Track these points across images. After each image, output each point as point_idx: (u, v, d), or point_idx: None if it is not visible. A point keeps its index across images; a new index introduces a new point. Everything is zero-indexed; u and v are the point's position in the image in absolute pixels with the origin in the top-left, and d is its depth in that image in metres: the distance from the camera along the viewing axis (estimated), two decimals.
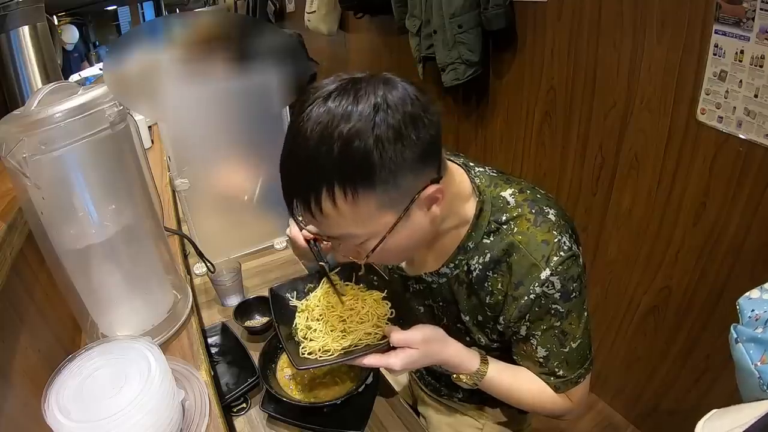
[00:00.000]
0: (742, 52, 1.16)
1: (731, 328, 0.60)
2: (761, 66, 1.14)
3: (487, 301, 0.79)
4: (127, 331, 0.85)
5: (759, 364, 0.55)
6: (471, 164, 0.82)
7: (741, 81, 1.18)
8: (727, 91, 1.22)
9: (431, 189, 0.65)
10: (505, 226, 0.75)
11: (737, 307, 0.64)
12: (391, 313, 0.86)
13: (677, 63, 1.32)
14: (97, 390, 0.63)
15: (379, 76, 0.63)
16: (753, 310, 0.61)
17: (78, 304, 0.81)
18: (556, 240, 0.72)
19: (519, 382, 0.82)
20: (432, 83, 2.21)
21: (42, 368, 0.72)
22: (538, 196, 0.77)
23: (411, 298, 0.93)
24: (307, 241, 0.86)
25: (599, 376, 1.85)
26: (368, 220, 0.64)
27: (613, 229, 1.66)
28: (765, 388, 0.53)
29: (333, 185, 0.59)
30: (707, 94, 1.27)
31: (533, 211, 0.74)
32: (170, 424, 0.66)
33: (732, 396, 0.57)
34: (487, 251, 0.76)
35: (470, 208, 0.77)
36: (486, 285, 0.78)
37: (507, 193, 0.77)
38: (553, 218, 0.74)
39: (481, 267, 0.77)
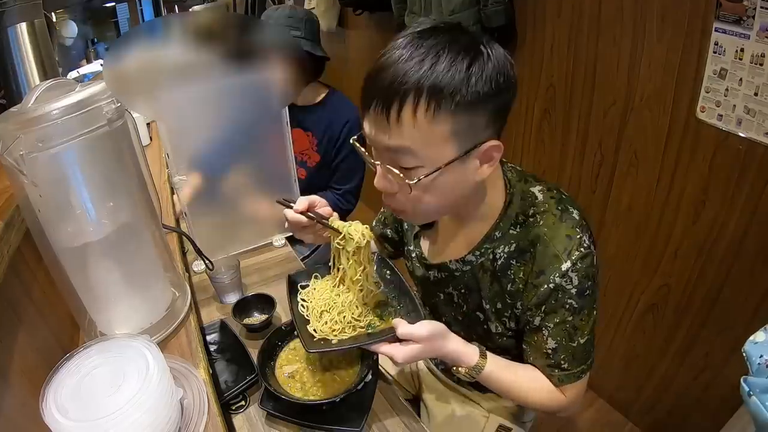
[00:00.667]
0: (742, 50, 1.16)
1: (741, 381, 0.58)
2: (761, 64, 1.13)
3: (508, 288, 0.83)
4: (125, 329, 0.84)
5: None
6: (503, 159, 0.85)
7: (741, 79, 1.18)
8: (727, 89, 1.22)
9: (494, 143, 0.70)
10: (532, 219, 0.80)
11: (743, 354, 0.63)
12: (398, 302, 0.90)
13: (677, 61, 1.31)
14: (96, 388, 0.62)
15: (485, 35, 0.70)
16: (762, 356, 0.60)
17: (76, 302, 0.81)
18: (578, 236, 0.77)
19: (517, 377, 0.85)
20: None
21: (40, 367, 0.71)
22: (564, 196, 0.82)
23: (432, 287, 0.96)
24: (303, 213, 0.87)
25: (598, 373, 1.84)
26: (434, 143, 0.66)
27: (613, 227, 1.66)
28: None
29: (420, 96, 0.63)
30: (707, 92, 1.26)
31: (559, 208, 0.79)
32: (169, 422, 0.66)
33: (731, 395, 0.56)
34: (513, 241, 0.81)
35: (500, 199, 0.82)
36: (509, 273, 0.82)
37: (536, 189, 0.82)
38: (576, 217, 0.79)
39: (506, 256, 0.82)
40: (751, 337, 0.63)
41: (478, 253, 0.84)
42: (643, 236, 1.56)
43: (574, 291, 0.76)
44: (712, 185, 1.32)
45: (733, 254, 1.32)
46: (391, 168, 0.70)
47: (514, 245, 0.80)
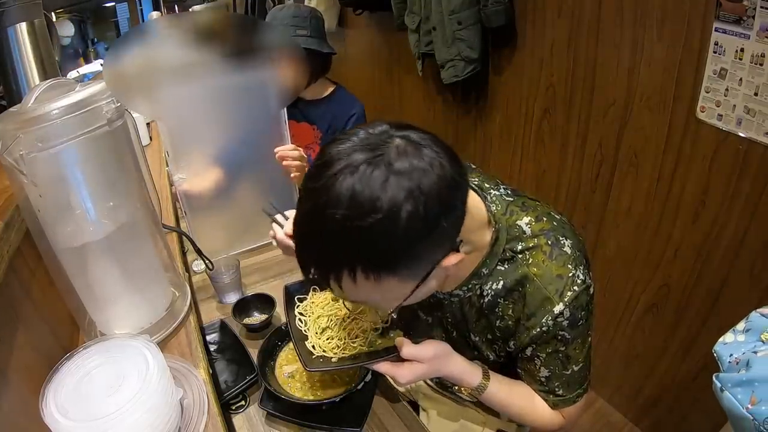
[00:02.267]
0: (742, 50, 1.16)
1: (713, 378, 0.60)
2: (761, 64, 1.13)
3: (497, 324, 0.80)
4: (125, 329, 0.84)
5: (750, 406, 0.54)
6: (486, 186, 0.81)
7: (741, 79, 1.18)
8: (727, 89, 1.22)
9: (453, 260, 0.64)
10: (520, 256, 0.75)
11: (714, 354, 0.65)
12: (400, 319, 0.88)
13: (677, 61, 1.31)
14: (95, 388, 0.62)
15: (409, 140, 0.57)
16: (731, 355, 0.62)
17: (76, 302, 0.81)
18: (570, 274, 0.72)
19: (516, 397, 0.85)
20: (431, 80, 2.21)
21: (40, 367, 0.71)
22: (555, 223, 0.76)
23: (420, 310, 0.93)
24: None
25: (598, 373, 1.84)
26: (386, 293, 0.63)
27: (612, 227, 1.66)
28: (762, 428, 0.52)
29: (355, 269, 0.57)
30: (707, 92, 1.26)
31: (549, 242, 0.74)
32: (168, 422, 0.66)
33: None
34: (500, 278, 0.77)
35: (485, 236, 0.76)
36: (497, 310, 0.79)
37: (523, 222, 0.76)
38: (568, 251, 0.74)
39: (493, 293, 0.78)
40: (721, 339, 0.65)
41: (465, 288, 0.80)
42: (642, 236, 1.56)
43: (566, 323, 0.73)
44: (712, 185, 1.32)
45: (732, 254, 1.32)
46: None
47: (501, 283, 0.76)
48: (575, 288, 0.72)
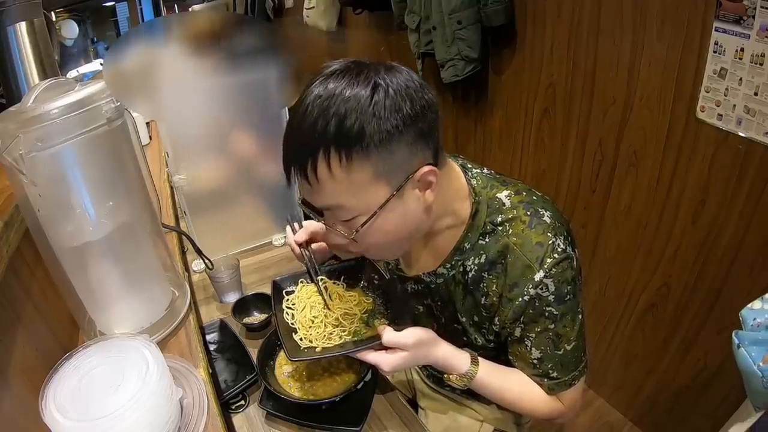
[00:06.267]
0: (742, 49, 1.16)
1: (732, 334, 0.62)
2: (761, 64, 1.13)
3: (482, 302, 0.79)
4: (124, 329, 0.84)
5: (761, 364, 0.57)
6: (468, 165, 0.83)
7: (741, 79, 1.18)
8: (727, 89, 1.22)
9: (425, 169, 0.67)
10: (500, 228, 0.75)
11: (740, 318, 0.67)
12: (386, 308, 0.88)
13: (677, 60, 1.31)
14: (95, 388, 0.62)
15: (384, 62, 0.66)
16: (755, 319, 0.63)
17: (75, 302, 0.81)
18: (550, 242, 0.72)
19: (510, 384, 0.83)
20: (431, 79, 2.21)
21: (39, 366, 0.71)
22: (534, 197, 0.77)
23: (409, 299, 0.93)
24: (300, 246, 0.92)
25: (597, 373, 1.85)
26: (362, 190, 0.65)
27: (612, 227, 1.66)
28: None
29: (329, 149, 0.61)
30: (707, 92, 1.26)
31: (528, 213, 0.74)
32: (168, 422, 0.66)
33: (730, 394, 0.58)
34: (482, 252, 0.77)
35: (466, 209, 0.77)
36: (482, 286, 0.78)
37: (503, 195, 0.77)
38: (548, 220, 0.74)
39: (477, 268, 0.78)
40: (749, 305, 0.68)
41: (448, 265, 0.81)
42: (642, 236, 1.56)
43: (552, 298, 0.72)
44: (712, 185, 1.32)
45: (732, 254, 1.32)
46: (333, 225, 0.71)
47: (484, 256, 0.76)
48: (555, 256, 0.71)
